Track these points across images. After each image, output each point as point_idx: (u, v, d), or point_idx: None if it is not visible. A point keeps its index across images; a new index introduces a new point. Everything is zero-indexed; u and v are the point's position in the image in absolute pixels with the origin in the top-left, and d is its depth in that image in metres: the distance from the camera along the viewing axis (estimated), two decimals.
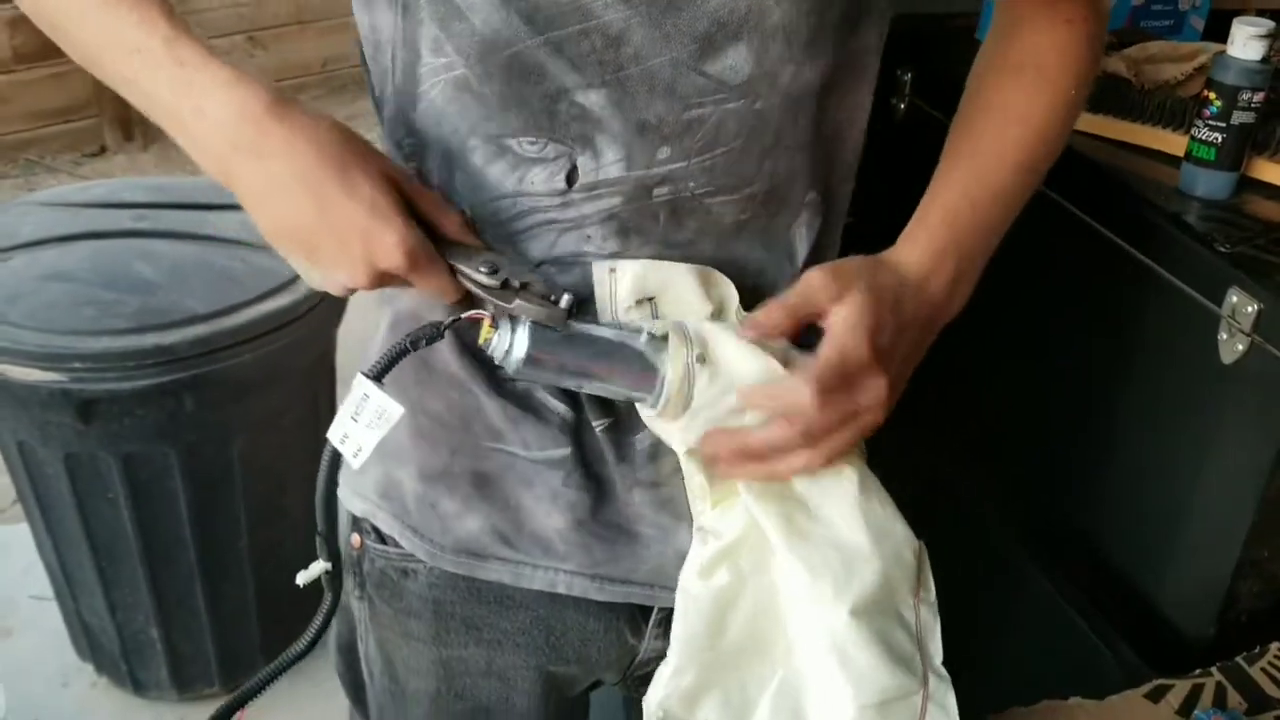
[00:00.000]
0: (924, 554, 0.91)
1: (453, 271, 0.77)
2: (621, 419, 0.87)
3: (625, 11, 0.75)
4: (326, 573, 0.95)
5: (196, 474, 1.89)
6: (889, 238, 0.88)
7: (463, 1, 0.77)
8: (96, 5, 0.75)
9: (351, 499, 0.98)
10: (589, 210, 0.81)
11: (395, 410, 0.79)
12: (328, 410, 2.10)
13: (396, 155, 0.85)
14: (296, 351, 1.92)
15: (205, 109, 0.74)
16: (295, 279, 1.90)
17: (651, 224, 0.82)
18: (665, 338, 0.79)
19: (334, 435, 0.82)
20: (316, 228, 0.75)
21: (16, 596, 2.35)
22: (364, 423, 0.80)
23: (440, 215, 0.79)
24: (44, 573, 2.12)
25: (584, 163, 0.80)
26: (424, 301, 0.87)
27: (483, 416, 0.88)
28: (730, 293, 0.84)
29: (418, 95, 0.83)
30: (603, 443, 0.88)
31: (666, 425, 0.82)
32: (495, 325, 0.78)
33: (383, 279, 0.76)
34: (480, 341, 0.79)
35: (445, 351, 0.87)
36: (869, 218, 0.97)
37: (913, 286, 0.85)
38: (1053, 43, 0.92)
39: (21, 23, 4.17)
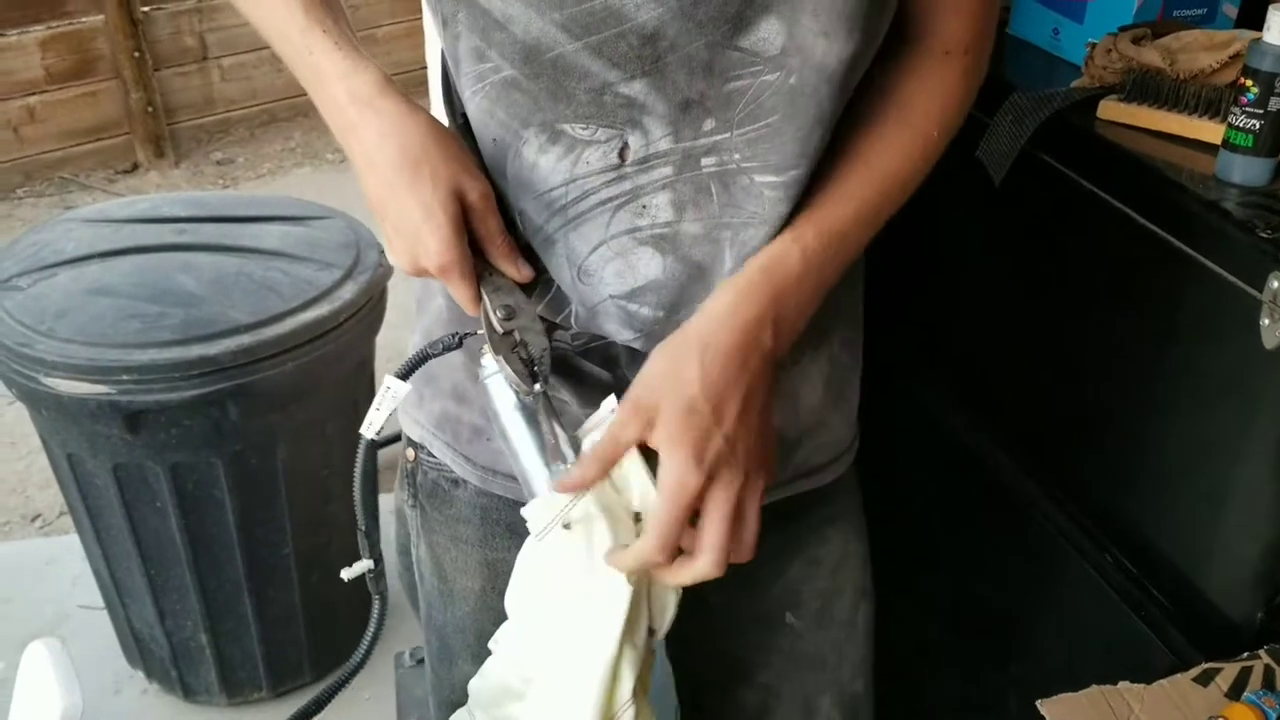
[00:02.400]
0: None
1: (479, 295, 0.87)
2: None
3: (658, 10, 0.78)
4: (370, 571, 1.00)
5: (242, 482, 1.92)
6: (920, 235, 0.89)
7: (501, 14, 0.81)
8: None
9: (411, 425, 1.08)
10: (643, 181, 0.85)
11: (403, 389, 0.92)
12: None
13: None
14: (337, 360, 1.94)
15: (327, 92, 0.86)
16: (334, 289, 1.93)
17: (705, 198, 0.86)
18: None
19: (366, 430, 0.96)
20: (384, 210, 0.85)
21: (67, 606, 2.38)
22: (384, 409, 0.93)
23: (490, 242, 0.87)
24: (93, 582, 2.16)
25: (634, 140, 0.84)
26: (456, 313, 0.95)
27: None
28: None
29: (464, 101, 0.88)
30: None
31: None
32: (496, 351, 0.88)
33: (422, 272, 0.86)
34: (480, 357, 0.90)
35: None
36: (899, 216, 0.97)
37: (727, 349, 0.82)
38: (924, 79, 0.90)
39: (53, 43, 4.25)
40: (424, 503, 1.08)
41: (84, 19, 4.32)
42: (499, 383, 0.88)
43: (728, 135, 0.84)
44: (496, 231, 0.87)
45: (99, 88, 4.41)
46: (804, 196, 0.86)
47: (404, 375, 0.93)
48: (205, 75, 4.70)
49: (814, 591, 1.05)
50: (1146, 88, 1.24)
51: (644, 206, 0.86)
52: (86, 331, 1.80)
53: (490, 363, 0.88)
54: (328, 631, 2.18)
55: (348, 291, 1.93)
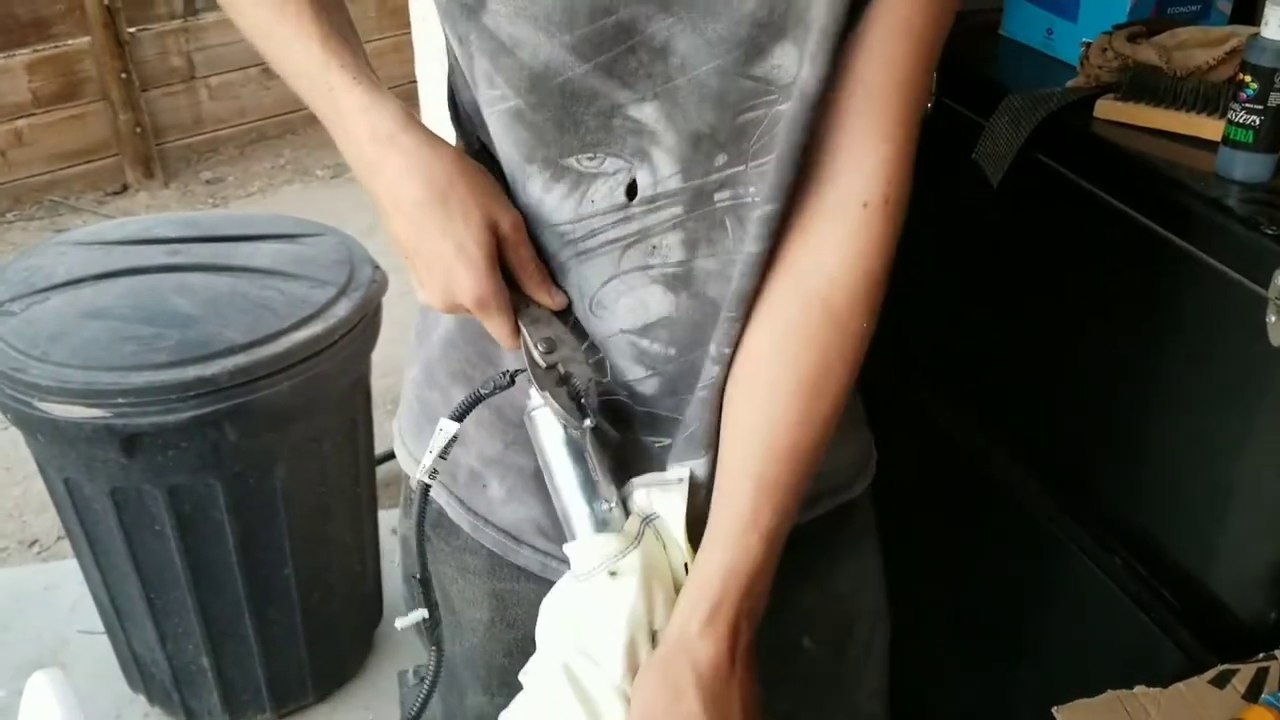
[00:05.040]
0: None
1: (517, 329, 0.85)
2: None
3: (667, 20, 0.76)
4: (425, 621, 0.98)
5: (240, 503, 1.91)
6: (919, 240, 0.87)
7: (509, 39, 0.79)
8: (273, 22, 0.84)
9: (407, 460, 1.05)
10: (651, 222, 0.83)
11: (452, 428, 0.87)
12: (365, 435, 2.11)
13: None
14: (333, 377, 1.93)
15: (347, 130, 0.83)
16: (328, 306, 1.91)
17: (720, 233, 0.83)
18: (610, 529, 0.85)
19: (421, 474, 0.89)
20: (413, 249, 0.82)
21: (66, 632, 2.37)
22: (436, 451, 0.88)
23: (524, 271, 0.84)
24: (92, 607, 2.14)
25: (642, 177, 0.82)
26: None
27: None
28: None
29: (485, 118, 0.86)
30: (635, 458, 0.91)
31: None
32: (541, 386, 0.84)
33: (457, 309, 0.84)
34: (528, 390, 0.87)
35: (510, 357, 0.90)
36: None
37: (716, 663, 0.81)
38: (840, 245, 0.80)
39: (40, 65, 4.24)
40: (429, 533, 1.04)
41: (70, 41, 4.31)
42: (546, 416, 0.85)
43: (742, 168, 0.80)
44: (529, 260, 0.84)
45: (87, 110, 4.40)
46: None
47: (458, 417, 0.88)
48: (193, 95, 4.69)
49: (830, 617, 1.03)
50: (1143, 86, 1.24)
51: (654, 247, 0.84)
52: (81, 355, 1.78)
53: (536, 397, 0.85)
54: (329, 651, 2.17)
55: (342, 308, 1.92)
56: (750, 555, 0.82)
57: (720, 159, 0.80)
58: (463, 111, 0.91)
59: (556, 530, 0.92)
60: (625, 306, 0.86)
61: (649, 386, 0.89)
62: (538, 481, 0.93)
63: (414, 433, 1.04)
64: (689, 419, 0.88)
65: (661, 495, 0.86)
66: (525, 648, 1.00)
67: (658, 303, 0.85)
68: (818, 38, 0.75)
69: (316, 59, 0.83)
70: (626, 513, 0.86)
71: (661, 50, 0.77)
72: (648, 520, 0.86)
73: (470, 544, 1.02)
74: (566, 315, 0.88)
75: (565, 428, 0.84)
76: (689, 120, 0.79)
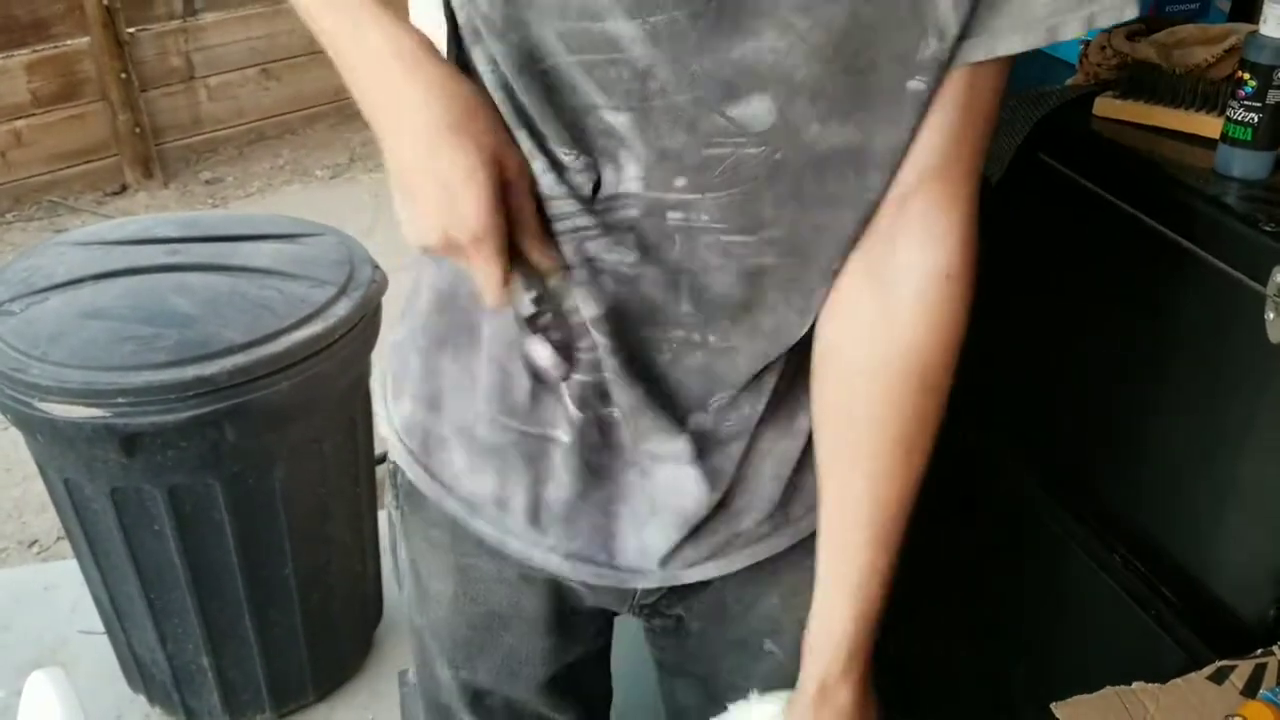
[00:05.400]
0: None
1: (506, 279, 0.82)
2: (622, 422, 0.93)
3: (652, 50, 0.77)
4: None
5: (240, 503, 1.91)
6: None
7: (501, 20, 0.79)
8: None
9: (383, 424, 1.07)
10: (611, 220, 0.84)
11: None
12: (365, 435, 2.11)
13: None
14: (332, 377, 1.93)
15: (369, 49, 0.80)
16: (328, 306, 1.91)
17: (668, 245, 0.85)
18: None
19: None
20: (420, 172, 0.80)
21: (66, 633, 2.37)
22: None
23: (523, 223, 0.82)
24: (92, 608, 2.14)
25: (608, 175, 0.83)
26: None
27: (513, 390, 0.93)
28: None
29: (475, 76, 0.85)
30: (601, 434, 0.94)
31: None
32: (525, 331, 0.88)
33: (450, 247, 0.81)
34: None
35: (491, 328, 0.93)
36: None
37: (853, 716, 0.93)
38: (933, 337, 0.86)
39: (39, 66, 4.24)
40: (404, 505, 1.08)
41: (69, 41, 4.31)
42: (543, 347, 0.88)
43: (699, 197, 0.82)
44: (529, 212, 0.83)
45: (86, 110, 4.41)
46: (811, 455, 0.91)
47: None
48: (192, 95, 4.69)
49: (795, 619, 1.03)
50: (1142, 83, 1.24)
51: (614, 243, 0.85)
52: (80, 355, 1.78)
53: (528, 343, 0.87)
54: (330, 651, 2.17)
55: (342, 308, 1.92)
56: (875, 603, 0.91)
57: (680, 181, 0.81)
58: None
59: (509, 501, 0.98)
60: (581, 295, 0.87)
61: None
62: (500, 458, 0.96)
63: (394, 396, 1.05)
64: (665, 391, 0.92)
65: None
66: (489, 623, 1.06)
67: (601, 290, 0.86)
68: (844, 99, 0.77)
69: None
70: None
71: (643, 74, 0.78)
72: None
73: (435, 516, 1.04)
74: (548, 279, 0.87)
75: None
76: (660, 137, 0.80)
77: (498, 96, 0.82)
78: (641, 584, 1.01)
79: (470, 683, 1.11)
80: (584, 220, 0.84)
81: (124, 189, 4.52)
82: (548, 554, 0.99)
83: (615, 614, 1.11)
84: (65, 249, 2.07)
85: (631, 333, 0.89)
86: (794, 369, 0.92)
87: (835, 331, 0.87)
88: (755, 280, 0.86)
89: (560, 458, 0.95)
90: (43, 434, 1.83)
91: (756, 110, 0.78)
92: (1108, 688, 1.00)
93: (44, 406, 1.76)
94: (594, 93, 0.79)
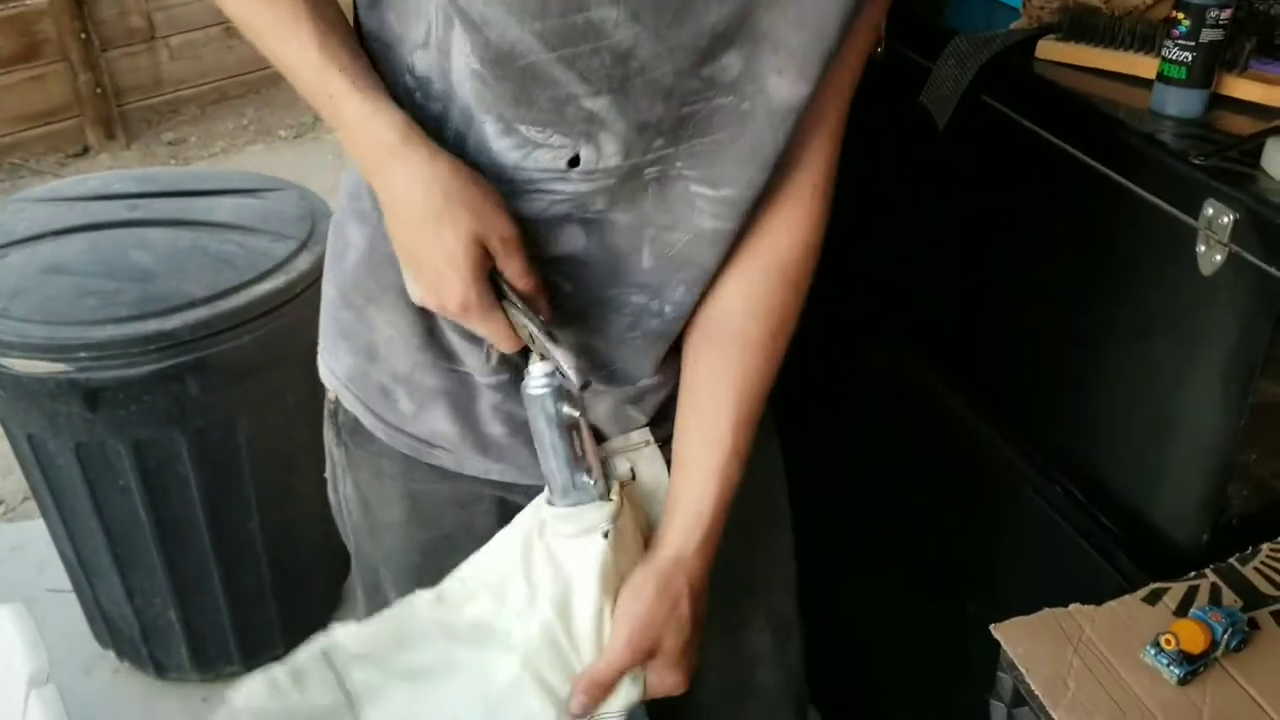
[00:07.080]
0: None
1: (506, 333, 0.90)
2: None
3: (635, 29, 0.81)
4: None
5: (205, 457, 1.92)
6: (869, 182, 0.91)
7: (479, 17, 0.81)
8: (269, 25, 0.87)
9: (325, 372, 1.13)
10: (585, 188, 0.89)
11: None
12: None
13: (414, 87, 0.91)
14: (295, 331, 1.93)
15: (352, 136, 0.87)
16: (289, 260, 1.92)
17: (640, 195, 0.91)
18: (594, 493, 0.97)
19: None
20: (409, 253, 0.89)
21: (34, 591, 2.37)
22: None
23: (514, 284, 0.89)
24: (60, 567, 2.16)
25: (586, 153, 0.87)
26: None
27: (441, 338, 1.00)
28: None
29: (450, 62, 0.87)
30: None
31: None
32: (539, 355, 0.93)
33: (446, 312, 0.89)
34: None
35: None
36: (847, 162, 0.99)
37: (700, 585, 0.99)
38: (795, 238, 0.96)
39: None
40: (347, 440, 1.11)
41: (28, 1, 4.26)
42: (540, 393, 0.93)
43: (673, 150, 0.89)
44: (519, 274, 0.88)
45: (46, 70, 4.36)
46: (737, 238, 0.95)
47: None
48: (154, 55, 4.64)
49: (736, 517, 1.09)
50: (1083, 26, 1.26)
51: (583, 205, 0.91)
52: (42, 310, 1.79)
53: (535, 376, 0.92)
54: (298, 603, 2.19)
55: (303, 262, 1.93)
56: (733, 482, 0.99)
57: (658, 142, 0.88)
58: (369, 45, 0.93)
59: (461, 435, 1.04)
60: (539, 234, 0.92)
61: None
62: (448, 399, 1.02)
63: (331, 350, 1.10)
64: (618, 360, 1.00)
65: (647, 465, 1.03)
66: (439, 546, 1.09)
67: (570, 239, 0.93)
68: (797, 53, 0.84)
69: (313, 61, 0.85)
70: (606, 477, 0.99)
71: (625, 55, 0.82)
72: (624, 484, 1.00)
73: (385, 449, 1.08)
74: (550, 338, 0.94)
75: (556, 407, 0.92)
76: (639, 112, 0.86)
77: (471, 85, 0.85)
78: None
79: None
80: (554, 187, 0.90)
81: (86, 150, 4.49)
82: (504, 468, 1.06)
83: None
84: (25, 205, 2.06)
85: (595, 290, 0.95)
86: None
87: None
88: (709, 244, 0.94)
89: (500, 396, 1.01)
90: (5, 389, 1.84)
91: (727, 63, 0.85)
92: (1045, 609, 1.03)
93: (6, 362, 1.77)
94: (574, 83, 0.83)
